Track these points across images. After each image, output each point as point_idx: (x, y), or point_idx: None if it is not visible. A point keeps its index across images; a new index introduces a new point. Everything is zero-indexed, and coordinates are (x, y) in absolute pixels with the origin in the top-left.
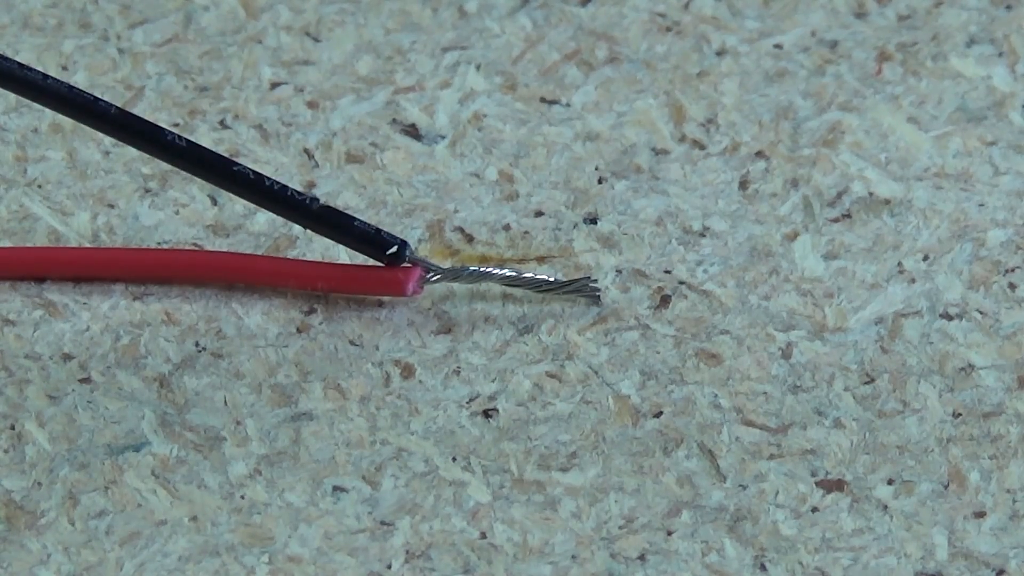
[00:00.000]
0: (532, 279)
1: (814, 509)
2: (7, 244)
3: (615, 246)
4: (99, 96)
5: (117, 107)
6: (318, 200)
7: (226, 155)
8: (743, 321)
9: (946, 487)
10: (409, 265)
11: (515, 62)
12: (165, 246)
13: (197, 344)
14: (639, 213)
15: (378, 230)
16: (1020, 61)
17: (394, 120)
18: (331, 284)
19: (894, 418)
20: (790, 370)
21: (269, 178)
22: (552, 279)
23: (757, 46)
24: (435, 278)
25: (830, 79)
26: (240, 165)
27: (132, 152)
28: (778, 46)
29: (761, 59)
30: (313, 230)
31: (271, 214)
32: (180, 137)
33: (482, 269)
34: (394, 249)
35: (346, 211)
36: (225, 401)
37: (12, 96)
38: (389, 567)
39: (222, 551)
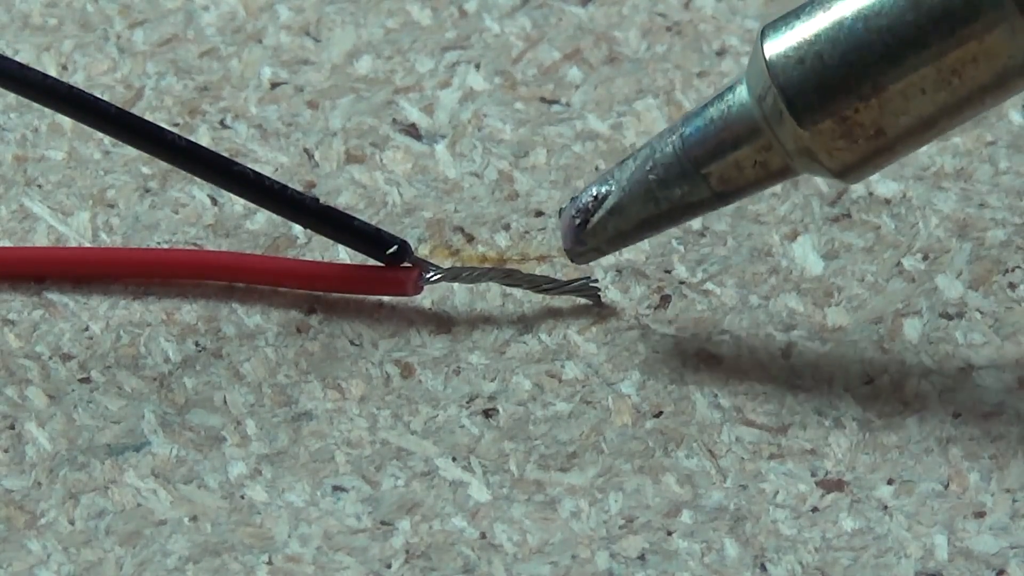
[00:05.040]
0: (532, 279)
1: (814, 509)
2: (7, 244)
3: None
4: (99, 96)
5: (117, 107)
6: (318, 200)
7: (226, 155)
8: (743, 321)
9: (946, 487)
10: (409, 265)
11: (515, 62)
12: (165, 246)
13: (197, 344)
14: None
15: (378, 230)
16: None
17: (394, 120)
18: (331, 284)
19: (894, 418)
20: (790, 370)
21: (269, 178)
22: (552, 279)
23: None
24: (435, 278)
25: None
26: (240, 165)
27: (132, 152)
28: None
29: None
30: (313, 230)
31: (271, 214)
32: (180, 137)
33: (482, 269)
34: (394, 249)
35: (346, 211)
36: (225, 401)
37: (12, 96)
38: (389, 567)
39: (222, 551)
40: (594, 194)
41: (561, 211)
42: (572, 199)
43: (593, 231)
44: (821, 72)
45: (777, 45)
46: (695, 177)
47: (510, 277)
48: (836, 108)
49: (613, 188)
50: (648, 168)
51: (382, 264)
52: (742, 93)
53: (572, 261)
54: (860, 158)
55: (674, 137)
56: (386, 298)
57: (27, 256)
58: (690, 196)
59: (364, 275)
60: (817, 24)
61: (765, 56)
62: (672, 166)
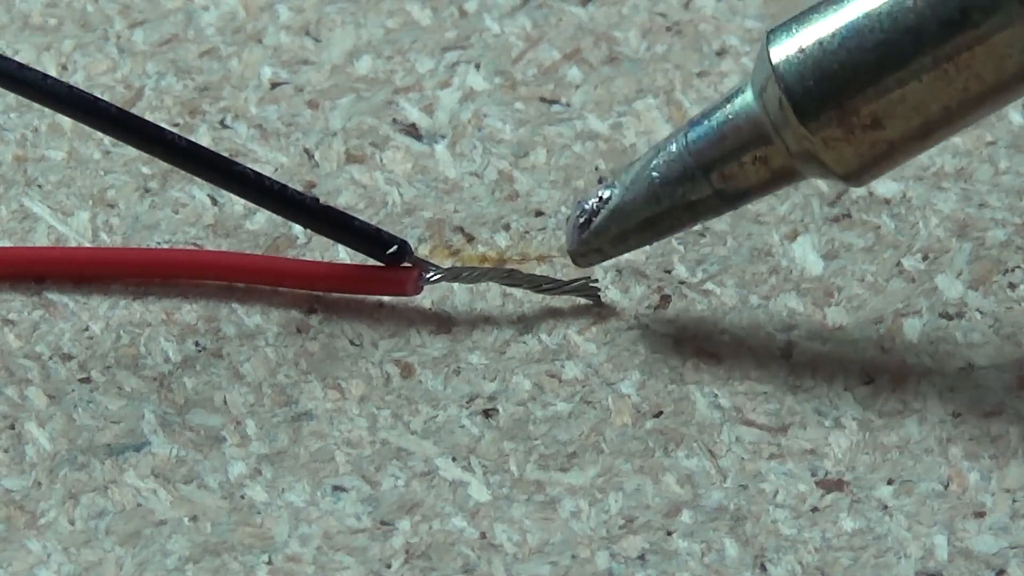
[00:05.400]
0: (532, 279)
1: (814, 509)
2: (7, 244)
3: None
4: (99, 96)
5: (117, 107)
6: (318, 200)
7: (226, 155)
8: (743, 321)
9: (946, 487)
10: (409, 265)
11: (515, 62)
12: (165, 246)
13: (197, 344)
14: None
15: (378, 230)
16: None
17: (394, 120)
18: (331, 284)
19: (894, 418)
20: (790, 370)
21: (269, 178)
22: (552, 279)
23: (757, 46)
24: (435, 278)
25: None
26: (240, 165)
27: (132, 152)
28: None
29: None
30: (313, 230)
31: (271, 214)
32: (180, 137)
33: (482, 269)
34: (394, 249)
35: (346, 211)
36: (225, 401)
37: (12, 96)
38: (389, 567)
39: (222, 551)
40: (599, 196)
41: (568, 216)
42: (578, 202)
43: (596, 232)
44: (820, 60)
45: (779, 38)
46: (697, 174)
47: (510, 277)
48: (834, 97)
49: (617, 189)
50: (652, 167)
51: (382, 264)
52: (747, 93)
53: (575, 263)
54: (860, 154)
55: (679, 136)
56: (386, 298)
57: (27, 256)
58: (691, 195)
59: (364, 275)
60: (820, 16)
61: (768, 50)
62: (675, 164)
